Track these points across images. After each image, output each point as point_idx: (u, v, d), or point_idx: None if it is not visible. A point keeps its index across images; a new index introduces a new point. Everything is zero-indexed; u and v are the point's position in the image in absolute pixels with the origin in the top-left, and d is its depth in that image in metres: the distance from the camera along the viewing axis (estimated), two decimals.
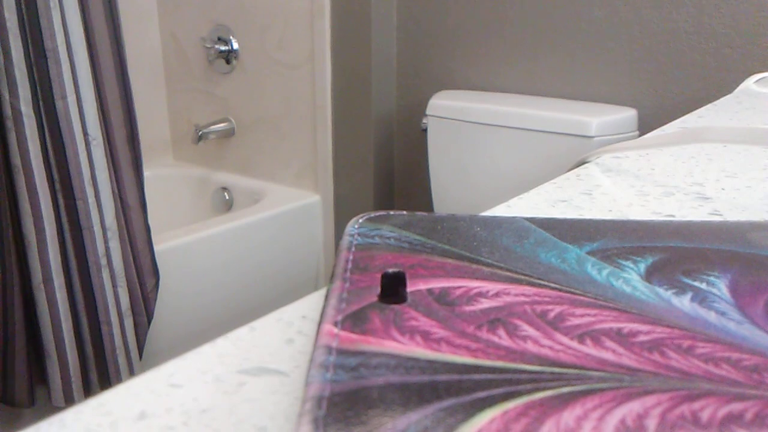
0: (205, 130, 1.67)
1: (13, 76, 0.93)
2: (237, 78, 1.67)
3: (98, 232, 1.05)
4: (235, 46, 1.64)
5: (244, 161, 1.73)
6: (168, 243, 1.28)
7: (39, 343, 1.05)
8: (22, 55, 0.94)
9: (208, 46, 1.64)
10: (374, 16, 1.40)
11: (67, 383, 1.06)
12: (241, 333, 0.19)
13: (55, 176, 1.00)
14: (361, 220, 0.25)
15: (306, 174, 1.61)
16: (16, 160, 0.95)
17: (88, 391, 1.10)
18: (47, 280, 1.00)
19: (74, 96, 0.99)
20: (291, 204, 1.54)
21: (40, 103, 0.97)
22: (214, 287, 1.39)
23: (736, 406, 0.14)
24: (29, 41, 0.95)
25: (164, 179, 1.79)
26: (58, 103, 0.98)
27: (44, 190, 0.98)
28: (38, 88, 0.96)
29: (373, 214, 0.25)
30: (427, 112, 1.26)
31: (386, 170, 1.54)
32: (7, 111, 0.94)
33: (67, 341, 1.04)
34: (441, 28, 1.38)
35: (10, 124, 0.94)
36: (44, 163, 0.98)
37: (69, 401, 1.07)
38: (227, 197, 1.72)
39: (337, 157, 1.55)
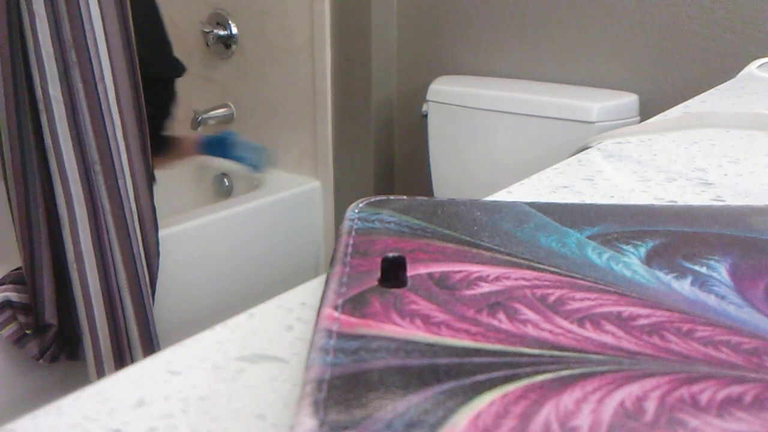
0: (204, 116, 1.67)
1: (41, 60, 0.96)
2: (236, 63, 1.66)
3: (128, 212, 1.08)
4: (234, 31, 1.63)
5: None
6: (167, 229, 1.28)
7: (74, 323, 1.08)
8: (49, 38, 0.96)
9: (207, 30, 1.63)
10: (374, 1, 1.39)
11: (99, 363, 1.09)
12: (240, 320, 0.19)
13: (94, 157, 1.03)
14: (361, 205, 0.24)
15: (306, 159, 1.60)
16: (48, 141, 0.98)
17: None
18: (79, 259, 1.03)
19: (102, 79, 1.02)
20: (291, 190, 1.54)
21: (75, 86, 0.99)
22: (214, 273, 1.39)
23: (735, 389, 0.14)
24: (56, 27, 0.97)
25: None
26: (85, 86, 1.01)
27: (73, 171, 1.01)
28: (66, 72, 0.98)
29: (373, 199, 0.25)
30: (428, 97, 1.26)
31: (386, 156, 1.54)
32: (38, 93, 0.96)
33: (98, 321, 1.06)
34: (441, 13, 1.37)
35: (41, 106, 0.97)
36: (75, 144, 1.01)
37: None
38: (227, 183, 1.72)
39: (336, 143, 1.54)
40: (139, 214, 1.12)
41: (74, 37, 0.98)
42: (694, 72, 1.10)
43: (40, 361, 1.08)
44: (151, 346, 1.15)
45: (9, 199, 1.00)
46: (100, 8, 1.00)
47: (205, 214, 1.36)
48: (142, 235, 1.13)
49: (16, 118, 0.97)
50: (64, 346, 1.11)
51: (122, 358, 1.12)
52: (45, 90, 0.96)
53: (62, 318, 1.08)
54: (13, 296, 1.05)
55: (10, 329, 1.06)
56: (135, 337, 1.12)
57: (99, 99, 1.01)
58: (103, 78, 1.01)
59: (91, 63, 1.00)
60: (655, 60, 1.14)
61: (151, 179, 1.14)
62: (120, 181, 1.05)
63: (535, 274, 0.19)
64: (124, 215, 1.07)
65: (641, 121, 1.14)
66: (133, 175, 1.09)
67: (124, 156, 1.06)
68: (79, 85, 0.99)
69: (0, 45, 0.94)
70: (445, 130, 1.25)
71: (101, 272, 1.06)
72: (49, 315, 1.06)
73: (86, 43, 0.99)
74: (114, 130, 1.04)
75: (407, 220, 0.23)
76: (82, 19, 0.98)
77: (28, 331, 1.05)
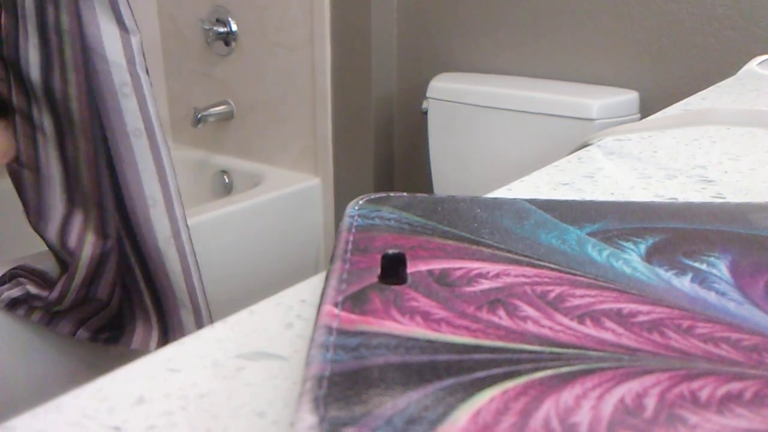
0: (204, 113, 1.66)
1: (132, 46, 0.98)
2: (236, 60, 1.66)
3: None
4: (234, 27, 1.63)
5: (244, 144, 1.72)
6: None
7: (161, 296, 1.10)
8: (133, 22, 0.99)
9: (207, 27, 1.63)
10: None
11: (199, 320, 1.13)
12: (240, 317, 0.19)
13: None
14: (361, 202, 0.24)
15: (306, 157, 1.60)
16: (139, 123, 1.00)
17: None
18: (176, 234, 1.05)
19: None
20: (291, 187, 1.54)
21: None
22: (213, 271, 1.39)
23: (735, 386, 0.14)
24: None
25: None
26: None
27: (166, 150, 1.03)
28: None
29: (373, 196, 0.25)
30: (428, 94, 1.26)
31: (386, 153, 1.54)
32: (126, 77, 0.98)
33: (198, 290, 1.10)
34: (441, 10, 1.37)
35: (128, 89, 0.99)
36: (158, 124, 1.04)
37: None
38: (227, 180, 1.72)
39: (337, 140, 1.54)
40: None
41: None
42: (695, 69, 1.10)
43: (78, 335, 1.09)
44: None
45: (71, 188, 1.00)
46: None
47: (205, 211, 1.36)
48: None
49: (89, 107, 0.98)
50: (111, 323, 1.12)
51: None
52: (136, 74, 0.99)
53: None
54: (31, 288, 1.06)
55: (37, 314, 1.06)
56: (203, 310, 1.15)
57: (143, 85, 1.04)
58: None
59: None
60: (655, 57, 1.13)
61: None
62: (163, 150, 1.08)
63: (535, 270, 0.19)
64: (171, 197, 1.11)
65: (641, 118, 1.14)
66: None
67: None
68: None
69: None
70: (445, 128, 1.24)
71: (192, 250, 1.09)
72: (102, 291, 1.07)
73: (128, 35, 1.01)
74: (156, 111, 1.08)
75: (407, 217, 0.23)
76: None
77: (57, 308, 1.06)
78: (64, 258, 1.03)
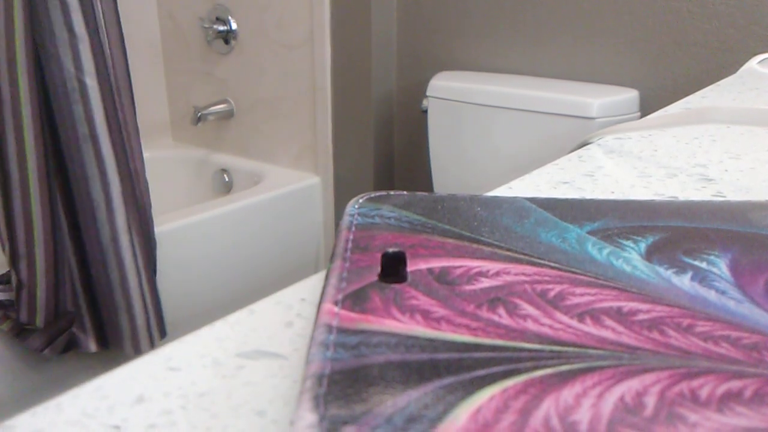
0: (204, 112, 1.66)
1: (77, 50, 0.99)
2: (236, 59, 1.66)
3: (140, 199, 1.12)
4: (234, 26, 1.63)
5: (244, 143, 1.72)
6: (167, 225, 1.28)
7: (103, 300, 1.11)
8: (84, 28, 0.99)
9: (207, 26, 1.62)
10: None
11: (137, 344, 1.13)
12: (240, 316, 0.19)
13: (126, 146, 1.07)
14: (361, 200, 0.24)
15: (306, 155, 1.60)
16: (84, 129, 1.01)
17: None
18: (115, 239, 1.06)
19: (113, 68, 1.06)
20: (291, 186, 1.54)
21: (108, 74, 1.03)
22: (214, 270, 1.39)
23: (735, 384, 0.14)
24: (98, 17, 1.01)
25: (163, 161, 1.79)
26: (110, 76, 1.05)
27: (110, 157, 1.05)
28: (98, 61, 1.02)
29: (373, 194, 0.25)
30: (428, 93, 1.25)
31: (386, 152, 1.53)
32: (74, 84, 1.00)
33: (135, 296, 1.11)
34: (441, 8, 1.37)
35: (77, 96, 1.00)
36: (114, 130, 1.05)
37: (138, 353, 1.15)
38: (227, 179, 1.72)
39: (337, 139, 1.54)
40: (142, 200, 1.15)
41: (95, 29, 1.01)
42: (695, 67, 1.10)
43: (45, 352, 1.09)
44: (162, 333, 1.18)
45: (28, 194, 1.02)
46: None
47: (205, 210, 1.36)
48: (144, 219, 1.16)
49: (40, 113, 0.99)
50: (73, 337, 1.12)
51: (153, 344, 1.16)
52: (82, 80, 1.00)
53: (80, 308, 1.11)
54: (3, 296, 1.06)
55: (7, 325, 1.06)
56: (154, 324, 1.15)
57: (111, 88, 1.05)
58: (114, 67, 1.05)
59: (104, 54, 1.03)
60: (655, 55, 1.13)
61: (144, 166, 1.17)
62: (130, 166, 1.09)
63: (535, 269, 0.19)
64: (137, 201, 1.11)
65: (642, 116, 1.14)
66: (134, 161, 1.12)
67: (126, 143, 1.10)
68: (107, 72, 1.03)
69: (24, 36, 0.96)
70: (445, 126, 1.24)
71: (133, 256, 1.09)
72: (69, 303, 1.08)
73: (99, 36, 1.02)
74: (125, 117, 1.08)
75: (407, 215, 0.23)
76: (95, 12, 1.01)
77: (30, 326, 1.06)
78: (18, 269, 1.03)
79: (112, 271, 1.08)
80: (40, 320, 1.05)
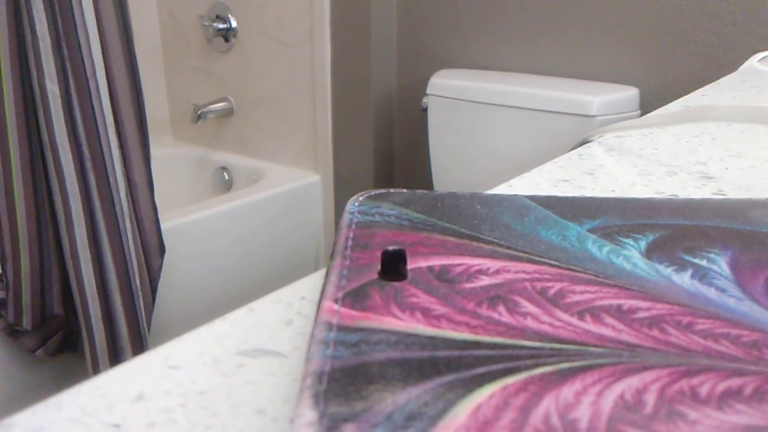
0: (204, 110, 1.66)
1: (38, 53, 0.95)
2: (236, 57, 1.65)
3: (119, 210, 1.08)
4: (234, 24, 1.62)
5: (244, 141, 1.72)
6: (167, 223, 1.28)
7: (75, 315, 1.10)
8: (47, 32, 0.96)
9: (206, 24, 1.62)
10: None
11: (95, 360, 1.10)
12: (240, 314, 0.19)
13: (85, 154, 1.03)
14: (361, 198, 0.24)
15: (306, 153, 1.60)
16: (45, 137, 0.99)
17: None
18: (74, 255, 1.04)
19: (94, 74, 1.02)
20: (291, 184, 1.54)
21: (69, 80, 0.99)
22: (213, 268, 1.39)
23: (734, 382, 0.14)
24: (58, 21, 0.97)
25: (163, 159, 1.79)
26: (89, 82, 1.01)
27: (70, 168, 1.01)
28: (65, 65, 0.99)
29: (373, 192, 0.25)
30: (428, 91, 1.25)
31: (386, 150, 1.53)
32: (36, 89, 0.97)
33: (93, 317, 1.08)
34: (441, 6, 1.36)
35: (38, 101, 0.97)
36: (71, 140, 1.01)
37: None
38: (227, 177, 1.72)
39: (336, 137, 1.54)
40: (136, 212, 1.12)
41: (66, 31, 0.97)
42: (695, 65, 1.10)
43: (37, 353, 1.08)
44: (141, 347, 1.16)
45: (12, 197, 1.01)
46: (95, 5, 1.00)
47: (205, 208, 1.36)
48: (140, 233, 1.13)
49: (25, 116, 0.98)
50: (68, 339, 1.12)
51: (117, 356, 1.13)
52: (42, 85, 0.96)
53: (66, 311, 1.09)
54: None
55: (1, 323, 1.06)
56: (125, 336, 1.12)
57: (91, 95, 1.01)
58: (95, 74, 1.01)
59: (83, 59, 0.99)
60: (655, 53, 1.13)
61: (150, 177, 1.13)
62: (111, 178, 1.05)
63: (535, 267, 0.19)
64: (115, 213, 1.07)
65: (642, 114, 1.14)
66: (127, 172, 1.09)
67: (116, 153, 1.06)
68: (71, 81, 0.99)
69: (8, 39, 0.94)
70: (445, 124, 1.24)
71: (96, 270, 1.06)
72: (57, 306, 1.07)
73: (78, 39, 0.98)
74: (105, 126, 1.03)
75: (407, 213, 0.23)
76: (74, 14, 0.98)
77: (18, 328, 1.06)
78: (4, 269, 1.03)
79: (73, 284, 1.06)
80: (27, 322, 1.04)
